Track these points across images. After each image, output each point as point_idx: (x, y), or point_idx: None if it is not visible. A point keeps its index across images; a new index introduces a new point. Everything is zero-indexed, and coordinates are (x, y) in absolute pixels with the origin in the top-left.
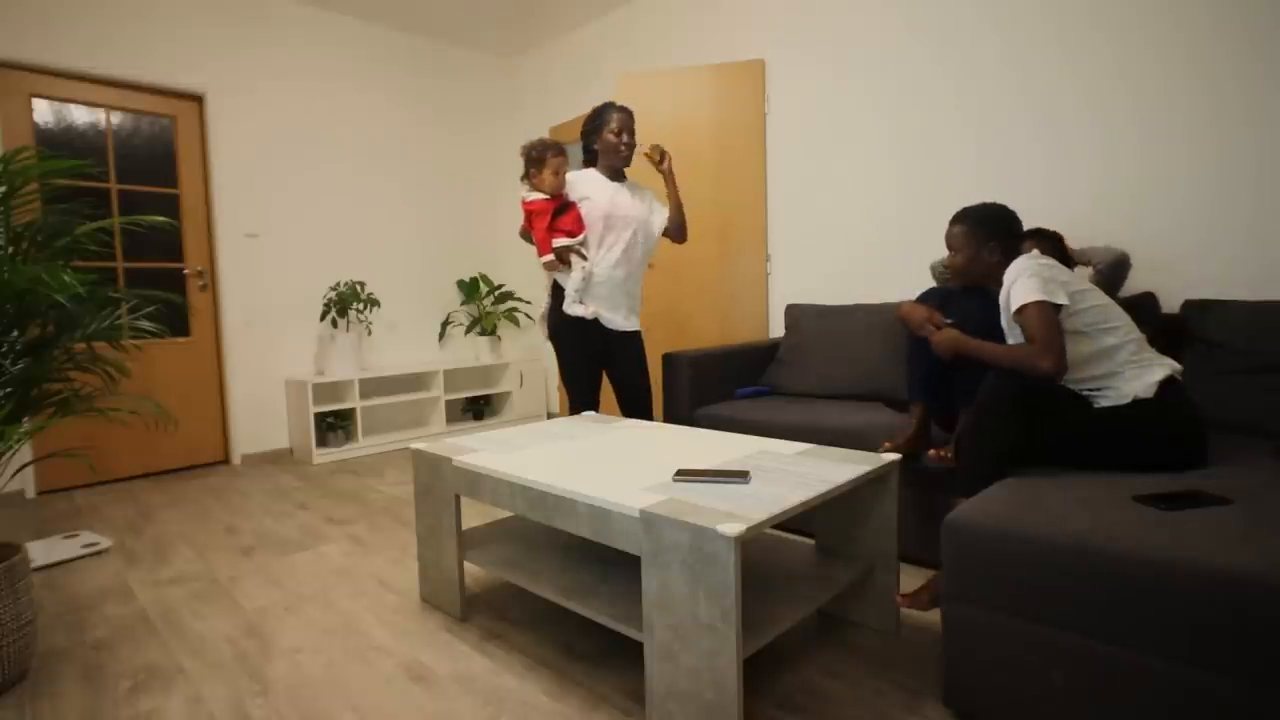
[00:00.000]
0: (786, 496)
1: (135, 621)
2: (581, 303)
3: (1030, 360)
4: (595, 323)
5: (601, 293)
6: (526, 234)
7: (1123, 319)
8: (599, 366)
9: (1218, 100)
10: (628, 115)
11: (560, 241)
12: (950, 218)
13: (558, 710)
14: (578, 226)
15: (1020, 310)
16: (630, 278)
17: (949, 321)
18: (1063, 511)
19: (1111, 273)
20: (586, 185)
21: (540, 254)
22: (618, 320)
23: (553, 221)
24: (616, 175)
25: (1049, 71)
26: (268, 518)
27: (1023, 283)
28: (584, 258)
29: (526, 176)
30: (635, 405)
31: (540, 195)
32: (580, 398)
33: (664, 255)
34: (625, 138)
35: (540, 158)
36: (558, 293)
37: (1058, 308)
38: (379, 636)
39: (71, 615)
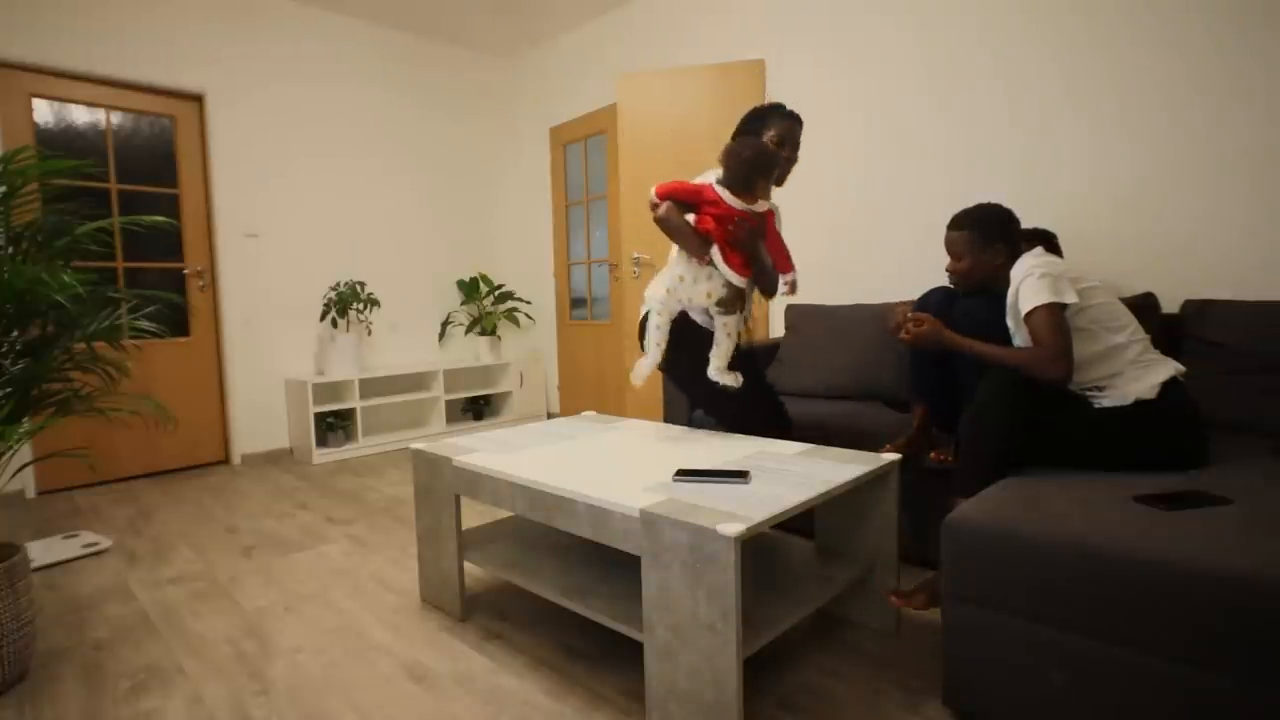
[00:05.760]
0: (786, 496)
1: (135, 621)
2: (731, 368)
3: (1040, 365)
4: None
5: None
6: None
7: (1129, 319)
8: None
9: (1216, 98)
10: (793, 124)
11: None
12: (948, 221)
13: (558, 710)
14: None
15: (1030, 314)
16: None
17: (919, 312)
18: (1063, 511)
19: None
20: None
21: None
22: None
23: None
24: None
25: (1048, 72)
26: (268, 518)
27: (1031, 284)
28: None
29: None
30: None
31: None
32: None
33: (662, 256)
34: (786, 151)
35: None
36: (687, 329)
37: (1066, 306)
38: (379, 636)
39: (71, 615)
